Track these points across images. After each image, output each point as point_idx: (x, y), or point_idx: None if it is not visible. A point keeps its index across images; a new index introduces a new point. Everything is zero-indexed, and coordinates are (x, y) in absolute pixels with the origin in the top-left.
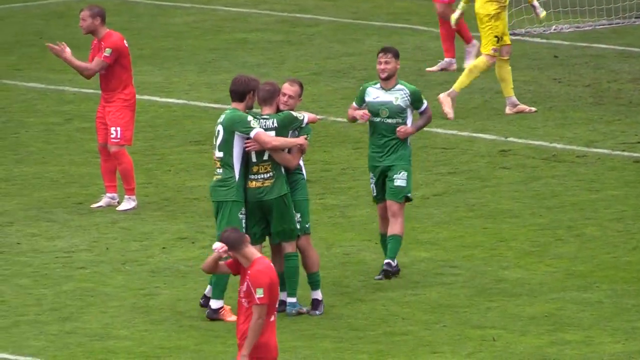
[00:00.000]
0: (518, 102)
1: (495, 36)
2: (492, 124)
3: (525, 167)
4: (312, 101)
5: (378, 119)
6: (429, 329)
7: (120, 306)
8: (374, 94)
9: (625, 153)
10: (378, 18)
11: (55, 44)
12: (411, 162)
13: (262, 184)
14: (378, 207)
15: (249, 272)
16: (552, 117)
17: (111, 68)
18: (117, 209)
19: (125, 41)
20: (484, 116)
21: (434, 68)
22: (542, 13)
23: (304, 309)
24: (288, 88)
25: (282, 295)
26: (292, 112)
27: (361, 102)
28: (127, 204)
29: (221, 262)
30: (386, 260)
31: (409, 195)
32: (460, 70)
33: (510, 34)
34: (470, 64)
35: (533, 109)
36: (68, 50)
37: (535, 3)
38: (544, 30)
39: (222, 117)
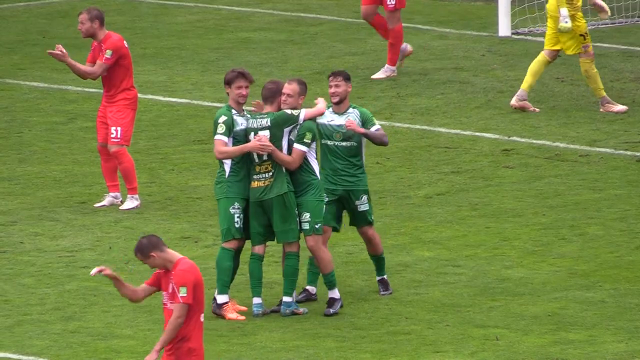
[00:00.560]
0: (527, 98)
1: (581, 34)
2: (495, 123)
3: (528, 167)
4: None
5: (331, 143)
6: (432, 328)
7: (124, 305)
8: (328, 117)
9: (628, 152)
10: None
11: (55, 50)
12: (367, 185)
13: (264, 183)
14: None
15: (172, 273)
16: (555, 117)
17: (112, 69)
18: (120, 208)
19: (125, 42)
20: (487, 115)
21: (378, 75)
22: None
23: (300, 310)
24: (286, 87)
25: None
26: (287, 110)
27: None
28: (130, 203)
29: (142, 285)
30: (379, 278)
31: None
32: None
33: (513, 34)
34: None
35: (537, 109)
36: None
37: (599, 2)
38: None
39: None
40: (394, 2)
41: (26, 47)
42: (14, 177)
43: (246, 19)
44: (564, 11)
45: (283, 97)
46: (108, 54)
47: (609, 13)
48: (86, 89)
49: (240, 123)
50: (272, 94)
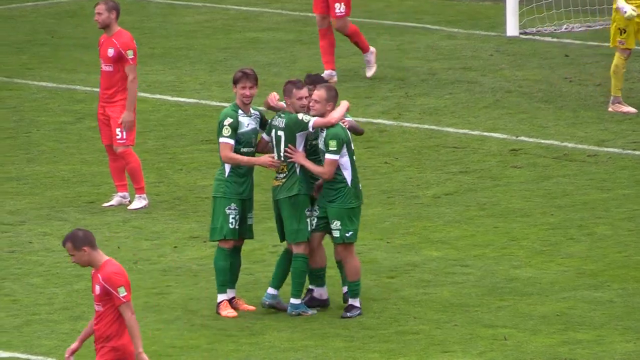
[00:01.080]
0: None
1: (619, 28)
2: (503, 123)
3: (536, 166)
4: None
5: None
6: (440, 328)
7: (133, 305)
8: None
9: (637, 152)
10: (389, 17)
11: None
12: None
13: (279, 183)
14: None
15: (99, 274)
16: (563, 117)
17: (115, 67)
18: (128, 207)
19: (134, 40)
20: (495, 115)
21: (371, 72)
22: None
23: (309, 312)
24: (315, 93)
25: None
26: (299, 114)
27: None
28: (138, 202)
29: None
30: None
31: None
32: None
33: (521, 33)
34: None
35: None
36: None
37: (620, 4)
38: (555, 30)
39: None
40: (343, 11)
41: (34, 47)
42: (23, 177)
43: (254, 18)
44: (620, 3)
45: (311, 103)
46: (130, 54)
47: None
48: (95, 89)
49: (247, 124)
50: (285, 91)
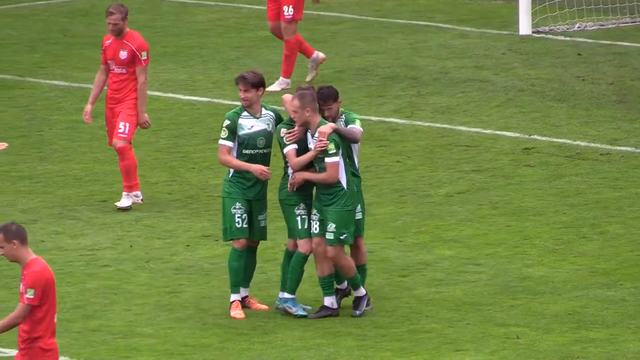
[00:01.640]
0: None
1: None
2: (515, 122)
3: (548, 165)
4: None
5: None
6: (452, 327)
7: (144, 304)
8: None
9: None
10: (402, 16)
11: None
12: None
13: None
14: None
15: (24, 272)
16: (576, 115)
17: (130, 68)
18: (116, 203)
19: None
20: (508, 114)
21: (273, 87)
22: None
23: (293, 309)
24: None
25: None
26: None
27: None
28: (127, 200)
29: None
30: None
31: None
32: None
33: (534, 32)
34: None
35: None
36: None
37: None
38: (567, 28)
39: None
40: (291, 13)
41: (47, 46)
42: (35, 175)
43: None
44: None
45: (291, 114)
46: (144, 55)
47: None
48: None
49: (250, 126)
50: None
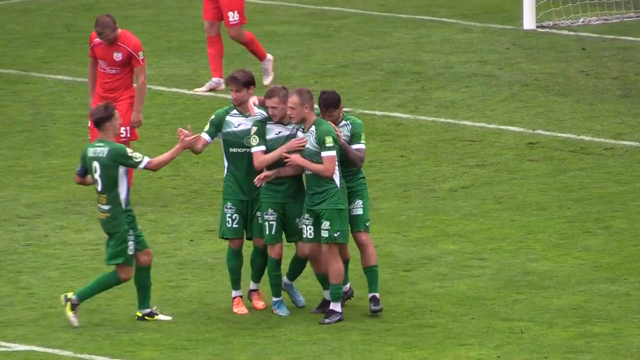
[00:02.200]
0: None
1: None
2: (519, 117)
3: (553, 160)
4: (340, 94)
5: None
6: (456, 321)
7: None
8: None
9: None
10: (406, 10)
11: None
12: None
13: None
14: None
15: None
16: (580, 110)
17: (125, 68)
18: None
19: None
20: (512, 108)
21: (202, 89)
22: None
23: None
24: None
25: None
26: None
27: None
28: None
29: None
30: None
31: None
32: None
33: (538, 27)
34: None
35: None
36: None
37: None
38: (572, 23)
39: None
40: (237, 19)
41: (51, 41)
42: (39, 170)
43: (271, 12)
44: None
45: (288, 112)
46: (141, 55)
47: None
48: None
49: (237, 124)
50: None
